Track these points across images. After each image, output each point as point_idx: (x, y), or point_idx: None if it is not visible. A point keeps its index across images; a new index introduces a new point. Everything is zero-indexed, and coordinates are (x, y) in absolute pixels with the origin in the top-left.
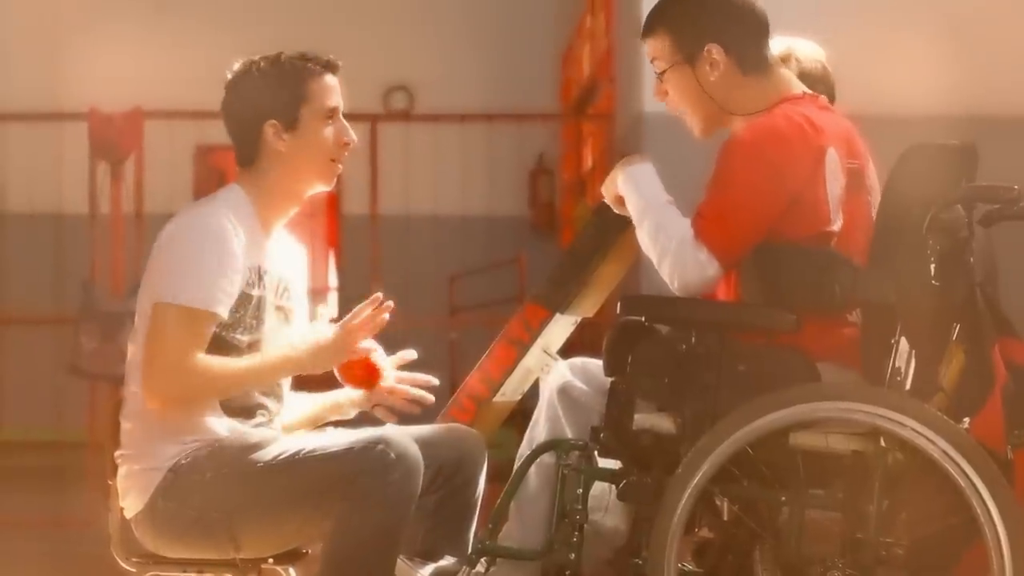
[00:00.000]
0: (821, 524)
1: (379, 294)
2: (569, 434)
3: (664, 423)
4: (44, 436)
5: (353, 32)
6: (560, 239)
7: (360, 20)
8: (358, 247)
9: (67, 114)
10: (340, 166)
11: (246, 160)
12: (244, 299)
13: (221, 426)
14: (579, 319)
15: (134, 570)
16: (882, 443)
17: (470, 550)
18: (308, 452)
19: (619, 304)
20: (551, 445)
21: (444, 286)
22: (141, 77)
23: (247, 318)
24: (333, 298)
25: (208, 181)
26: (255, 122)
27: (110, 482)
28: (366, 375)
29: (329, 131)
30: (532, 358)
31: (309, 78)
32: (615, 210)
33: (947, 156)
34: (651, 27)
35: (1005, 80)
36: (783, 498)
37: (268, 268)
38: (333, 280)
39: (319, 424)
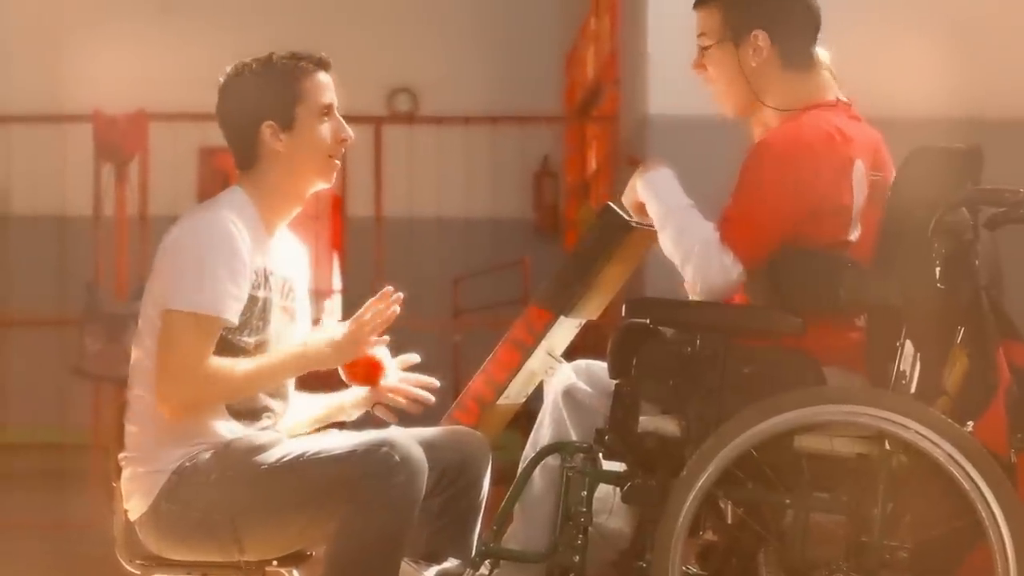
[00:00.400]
0: (825, 527)
1: (389, 288)
2: (573, 436)
3: (668, 426)
4: (48, 438)
5: (357, 34)
6: (564, 241)
7: (364, 22)
8: (362, 249)
9: (71, 116)
10: (338, 163)
11: (245, 163)
12: (251, 301)
13: (225, 429)
14: (583, 322)
15: (138, 572)
16: (886, 446)
17: (474, 552)
18: (312, 455)
19: (623, 307)
20: (555, 448)
21: (448, 288)
22: (145, 79)
23: (253, 320)
24: (337, 300)
25: (212, 183)
26: (251, 124)
27: (114, 484)
28: (370, 372)
29: (326, 128)
30: (536, 361)
31: (302, 77)
32: (636, 217)
33: (952, 159)
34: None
35: (1009, 83)
36: (787, 501)
37: (273, 269)
38: (337, 282)
39: (322, 426)
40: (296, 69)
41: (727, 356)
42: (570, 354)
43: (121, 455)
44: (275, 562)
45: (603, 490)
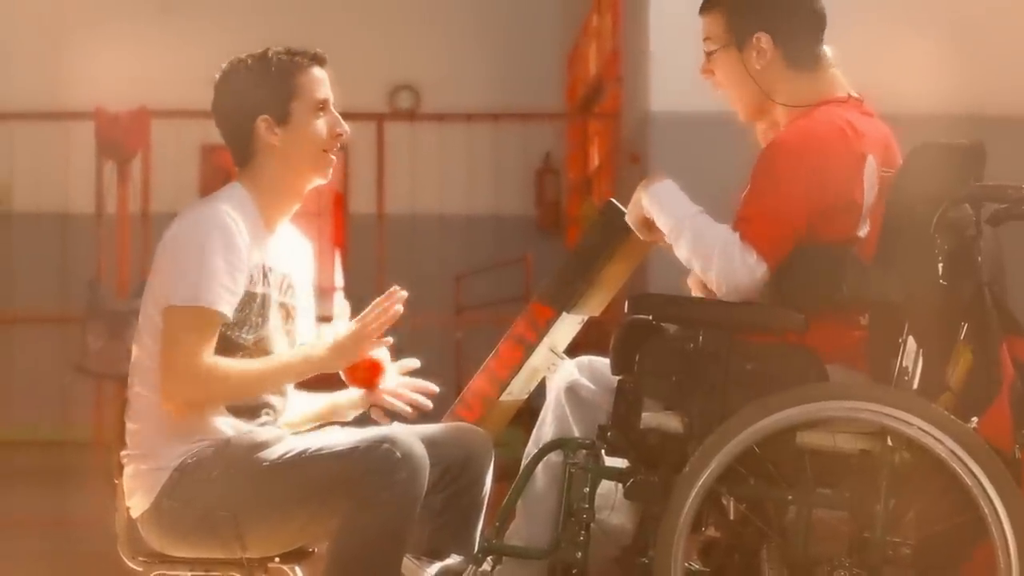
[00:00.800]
0: (828, 523)
1: (396, 287)
2: (576, 433)
3: (671, 422)
4: (50, 435)
5: (359, 32)
6: (566, 238)
7: (366, 20)
8: (364, 247)
9: (73, 113)
10: (334, 158)
11: (242, 159)
12: (249, 298)
13: (227, 426)
14: (586, 318)
15: (140, 569)
16: (889, 442)
17: (476, 549)
18: (314, 451)
19: (626, 303)
20: (558, 444)
21: (450, 285)
22: (147, 76)
23: (252, 316)
24: (339, 298)
25: (214, 180)
26: (247, 119)
27: (116, 481)
28: (370, 373)
29: (321, 123)
30: (539, 357)
31: (297, 72)
32: (641, 236)
33: (955, 155)
34: (710, 5)
35: (1011, 80)
36: (790, 497)
37: (272, 266)
38: (339, 280)
39: (318, 424)
40: (291, 64)
41: (730, 352)
42: (573, 350)
43: (123, 452)
44: (277, 559)
45: (605, 486)
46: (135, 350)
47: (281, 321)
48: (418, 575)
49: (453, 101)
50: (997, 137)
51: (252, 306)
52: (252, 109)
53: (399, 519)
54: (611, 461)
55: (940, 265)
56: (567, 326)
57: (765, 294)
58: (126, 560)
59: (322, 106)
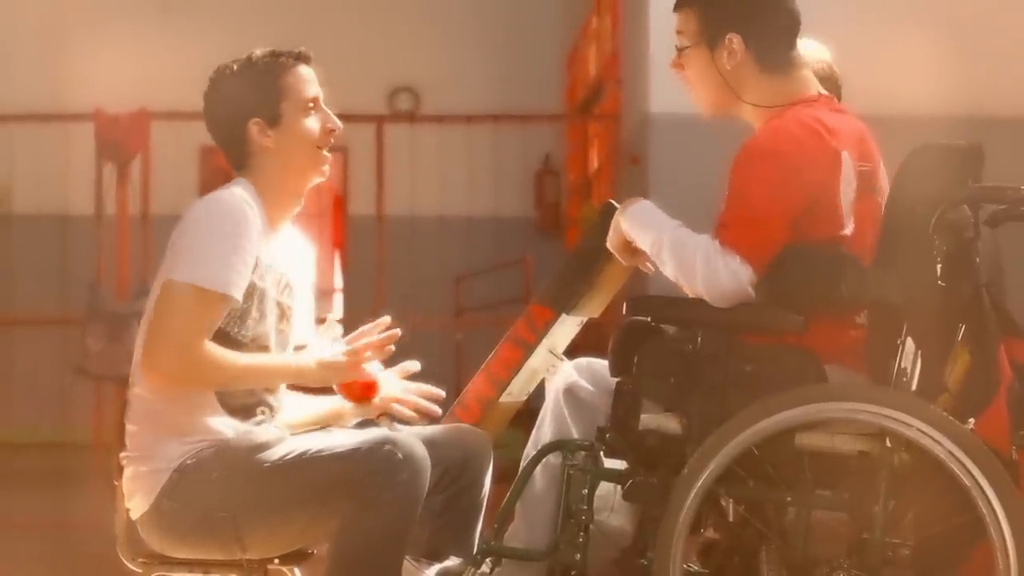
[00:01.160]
0: (827, 525)
1: (387, 318)
2: (575, 434)
3: (670, 423)
4: (50, 437)
5: (358, 33)
6: (566, 240)
7: (365, 21)
8: (364, 248)
9: (73, 115)
10: (328, 154)
11: (237, 163)
12: (250, 288)
13: (226, 426)
14: (585, 320)
15: (140, 570)
16: (888, 443)
17: (476, 550)
18: (315, 452)
19: (625, 304)
20: (557, 445)
21: (450, 287)
22: (147, 78)
23: (253, 310)
24: (339, 299)
25: (214, 181)
26: (239, 124)
27: (116, 483)
28: (364, 391)
29: (312, 121)
30: (538, 359)
31: (284, 72)
32: (624, 260)
33: (953, 156)
34: (684, 2)
35: (1010, 81)
36: (789, 499)
37: (271, 264)
38: (339, 281)
39: (319, 427)
40: (277, 65)
41: (728, 354)
42: (572, 352)
43: (122, 454)
44: (277, 560)
45: (604, 488)
46: (136, 351)
47: (276, 320)
48: None
49: (453, 103)
50: (996, 138)
51: (252, 299)
52: (243, 114)
53: (400, 520)
54: (610, 463)
55: (938, 266)
56: (566, 328)
57: (762, 294)
58: (126, 562)
59: (312, 104)
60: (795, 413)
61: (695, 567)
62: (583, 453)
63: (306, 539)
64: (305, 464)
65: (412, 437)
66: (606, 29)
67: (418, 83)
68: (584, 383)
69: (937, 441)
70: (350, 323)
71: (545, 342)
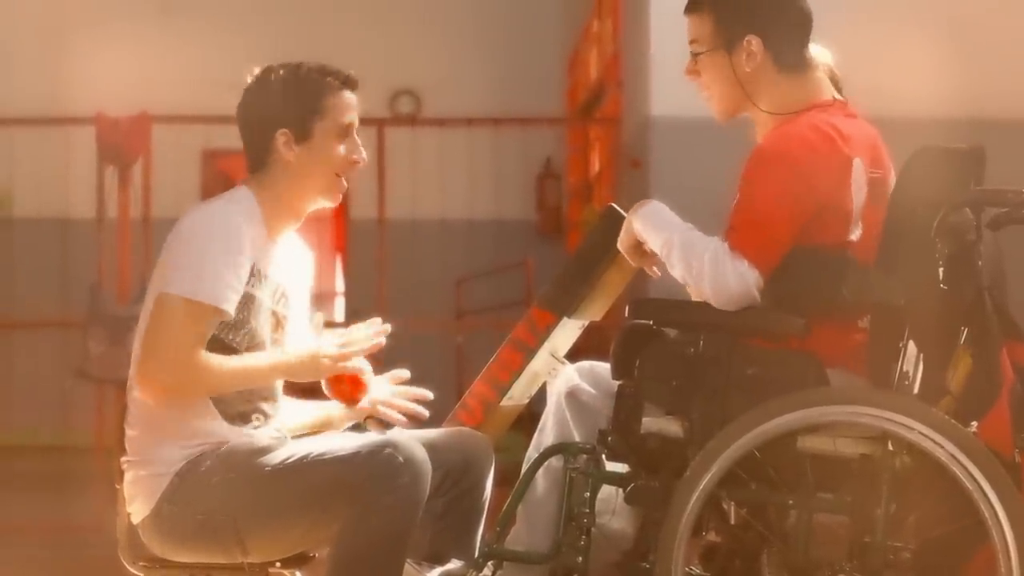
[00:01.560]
0: (829, 528)
1: (378, 319)
2: (577, 438)
3: (672, 427)
4: (51, 440)
5: (360, 36)
6: (567, 243)
7: (367, 24)
8: (365, 251)
9: (74, 119)
10: (346, 183)
11: (255, 165)
12: (246, 298)
13: (227, 430)
14: (586, 323)
15: (141, 574)
16: (890, 447)
17: (477, 553)
18: (316, 456)
19: (627, 308)
20: (559, 449)
21: (451, 290)
22: (148, 81)
23: (249, 319)
24: (340, 303)
25: (215, 185)
26: (267, 129)
27: (117, 487)
28: (352, 390)
29: (341, 148)
30: (539, 362)
31: (327, 93)
32: (633, 261)
33: (955, 159)
34: (697, 6)
35: (1012, 83)
36: (791, 501)
37: (268, 274)
38: (340, 285)
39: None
40: (322, 84)
41: (730, 357)
42: (573, 355)
43: (123, 458)
44: (278, 564)
45: (606, 491)
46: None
47: (270, 329)
48: None
49: (454, 106)
50: (997, 141)
51: (249, 309)
52: (273, 121)
53: (402, 524)
54: (612, 466)
55: (940, 269)
56: (568, 331)
57: (766, 298)
58: (127, 565)
59: (346, 131)
60: (797, 416)
61: (697, 570)
62: (585, 456)
63: (307, 542)
64: (306, 468)
65: (413, 440)
66: (607, 32)
67: (419, 86)
68: (586, 386)
69: (939, 444)
70: (351, 326)
71: (547, 345)
